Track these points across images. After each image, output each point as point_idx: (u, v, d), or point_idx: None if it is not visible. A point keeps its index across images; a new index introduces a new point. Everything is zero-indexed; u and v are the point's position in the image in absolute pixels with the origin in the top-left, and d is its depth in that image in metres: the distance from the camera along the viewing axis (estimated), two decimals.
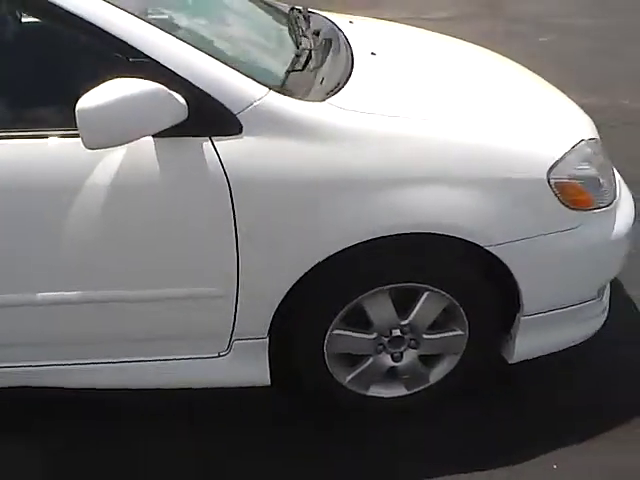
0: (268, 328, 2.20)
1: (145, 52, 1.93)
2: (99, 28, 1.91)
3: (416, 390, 2.40)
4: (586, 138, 2.36)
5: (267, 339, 2.23)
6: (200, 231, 2.06)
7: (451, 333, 2.34)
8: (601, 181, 2.32)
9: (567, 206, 2.22)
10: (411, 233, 2.11)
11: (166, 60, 1.94)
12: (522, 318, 2.33)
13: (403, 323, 2.28)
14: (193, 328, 2.20)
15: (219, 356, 2.25)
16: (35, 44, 2.31)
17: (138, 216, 2.03)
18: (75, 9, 1.90)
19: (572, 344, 2.50)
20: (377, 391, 2.39)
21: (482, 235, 2.16)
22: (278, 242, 2.09)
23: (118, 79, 1.84)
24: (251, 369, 2.26)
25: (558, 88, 2.82)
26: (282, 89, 2.09)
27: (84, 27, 1.92)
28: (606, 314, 2.59)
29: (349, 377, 2.35)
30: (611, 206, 2.35)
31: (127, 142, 1.88)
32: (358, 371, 2.35)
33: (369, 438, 2.38)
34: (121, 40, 1.91)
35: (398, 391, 2.40)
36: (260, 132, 2.01)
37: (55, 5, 1.89)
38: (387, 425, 2.40)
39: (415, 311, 2.27)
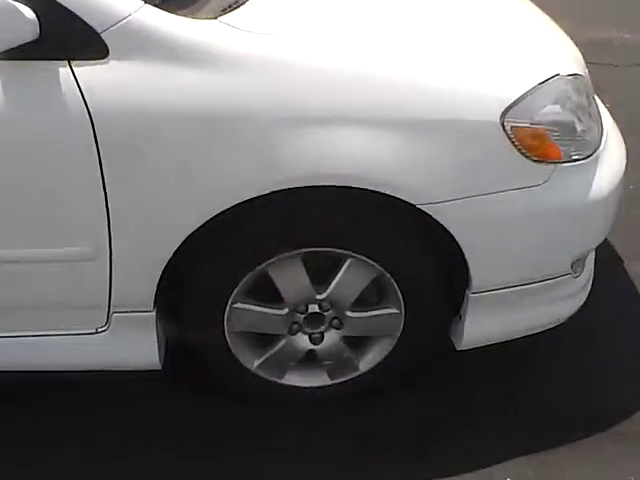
0: (153, 299, 1.80)
1: None
2: None
3: (342, 380, 1.98)
4: (563, 73, 1.87)
5: (154, 313, 1.83)
6: (58, 178, 1.64)
7: (382, 311, 1.90)
8: (577, 127, 1.84)
9: (528, 157, 1.76)
10: (321, 186, 1.68)
11: None
12: (471, 295, 1.89)
13: (320, 297, 1.85)
14: (62, 297, 1.79)
15: (97, 332, 1.85)
16: None
17: None
18: None
19: (538, 330, 2.04)
20: (294, 379, 1.97)
21: (412, 191, 1.71)
22: (155, 193, 1.66)
23: None
24: (137, 349, 1.85)
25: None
26: (163, 4, 1.65)
27: None
28: (586, 293, 2.13)
29: (258, 361, 1.93)
30: (590, 158, 1.87)
31: None
32: (268, 354, 1.93)
33: (277, 439, 1.97)
34: None
35: (319, 380, 1.98)
36: (130, 55, 1.58)
37: None
38: (301, 423, 1.99)
39: (335, 282, 1.83)
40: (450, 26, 1.97)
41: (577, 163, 1.84)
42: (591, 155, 1.88)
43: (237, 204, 1.66)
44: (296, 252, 1.77)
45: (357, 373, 1.98)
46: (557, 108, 1.81)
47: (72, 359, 1.88)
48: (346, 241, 1.78)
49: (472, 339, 1.97)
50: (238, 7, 1.73)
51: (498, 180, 1.76)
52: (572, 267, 1.98)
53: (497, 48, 1.93)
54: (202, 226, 1.68)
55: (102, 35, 1.55)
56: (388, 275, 1.83)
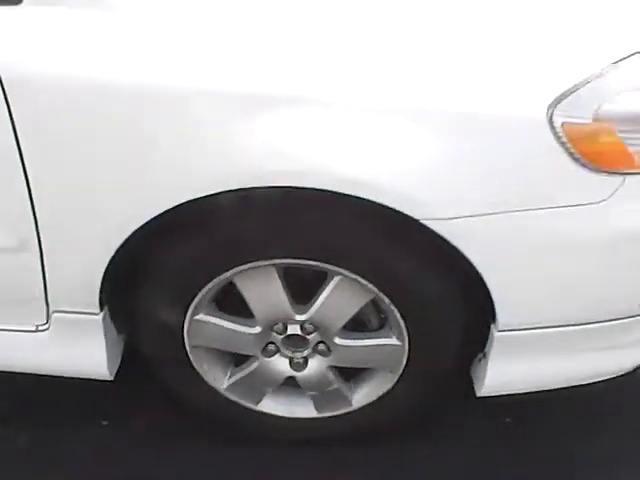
0: (98, 301, 1.49)
1: None
2: None
3: (331, 415, 1.63)
4: None
5: (101, 316, 1.52)
6: None
7: (380, 341, 1.51)
8: None
9: (585, 165, 1.29)
10: (291, 187, 1.28)
11: None
12: (497, 333, 1.47)
13: (301, 318, 1.49)
14: None
15: (37, 330, 1.56)
16: None
17: None
18: None
19: (591, 380, 1.60)
20: (272, 407, 1.63)
21: (416, 202, 1.28)
22: (85, 175, 1.33)
23: None
24: (82, 354, 1.55)
25: None
26: None
27: None
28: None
29: (227, 383, 1.60)
30: None
31: None
32: (238, 376, 1.60)
33: None
34: None
35: (303, 411, 1.63)
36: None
37: None
38: (274, 462, 1.66)
39: (319, 302, 1.45)
40: None
41: None
42: None
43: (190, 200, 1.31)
44: (268, 262, 1.41)
45: (350, 409, 1.61)
46: (636, 97, 1.34)
47: (8, 359, 1.62)
48: (331, 254, 1.37)
49: (496, 385, 1.54)
50: None
51: (540, 193, 1.31)
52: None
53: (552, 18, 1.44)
54: (150, 222, 1.34)
55: None
56: (386, 299, 1.43)
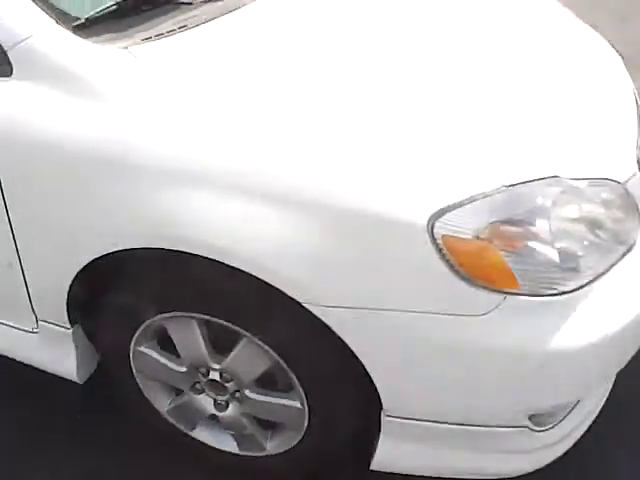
0: (67, 318, 1.77)
1: None
2: None
3: (249, 454, 1.81)
4: (549, 174, 1.43)
5: (71, 331, 1.80)
6: None
7: (284, 401, 1.66)
8: (567, 251, 1.41)
9: (465, 279, 1.38)
10: (190, 254, 1.47)
11: None
12: (384, 417, 1.58)
13: (216, 366, 1.68)
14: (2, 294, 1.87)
15: (32, 332, 1.86)
16: None
17: None
18: None
19: (470, 478, 1.67)
20: (204, 436, 1.83)
21: (298, 286, 1.43)
22: (43, 224, 1.61)
23: None
24: (58, 358, 1.85)
25: None
26: (82, 26, 1.53)
27: None
28: (566, 445, 1.70)
29: (166, 407, 1.83)
30: (572, 294, 1.43)
31: None
32: (174, 405, 1.82)
33: None
34: None
35: (229, 446, 1.82)
36: (34, 77, 1.51)
37: None
38: None
39: (231, 357, 1.64)
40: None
41: (545, 299, 1.42)
42: (576, 290, 1.44)
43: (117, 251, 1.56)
44: (185, 314, 1.62)
45: (264, 453, 1.79)
46: (532, 217, 1.40)
47: (13, 350, 1.94)
48: (235, 317, 1.56)
49: (384, 463, 1.65)
50: (164, 37, 1.57)
51: (416, 297, 1.41)
52: (531, 420, 1.56)
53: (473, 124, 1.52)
54: (89, 265, 1.60)
55: (8, 53, 1.50)
56: (285, 365, 1.59)
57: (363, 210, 1.37)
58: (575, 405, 1.66)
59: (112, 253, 1.55)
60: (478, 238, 1.38)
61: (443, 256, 1.37)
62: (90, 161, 1.49)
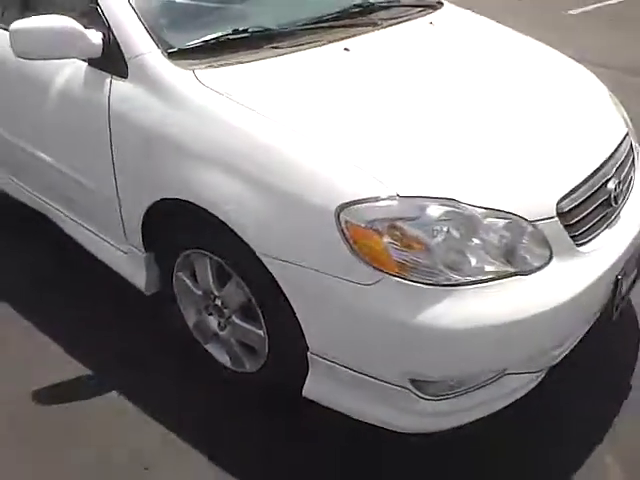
0: (142, 245, 2.50)
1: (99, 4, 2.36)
2: None
3: (237, 369, 2.41)
4: (446, 196, 1.91)
5: (144, 256, 2.52)
6: (89, 141, 2.48)
7: (252, 328, 2.26)
8: (432, 250, 1.88)
9: (357, 255, 1.90)
10: (201, 207, 2.14)
11: (105, 11, 2.34)
12: (310, 355, 2.12)
13: (218, 294, 2.33)
14: (104, 219, 2.65)
15: (125, 252, 2.63)
16: None
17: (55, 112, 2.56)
18: None
19: (376, 423, 2.12)
20: (211, 349, 2.48)
21: (256, 240, 2.04)
22: (133, 170, 2.38)
23: (48, 15, 2.30)
24: (136, 274, 2.60)
25: None
26: (175, 52, 2.27)
27: None
28: (444, 424, 2.10)
29: (192, 322, 2.50)
30: (443, 287, 1.88)
31: (46, 59, 2.36)
32: (195, 320, 2.49)
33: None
34: None
35: (224, 360, 2.44)
36: (137, 81, 2.29)
37: None
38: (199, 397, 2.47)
39: (226, 288, 2.29)
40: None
41: (416, 285, 1.88)
42: (447, 285, 1.88)
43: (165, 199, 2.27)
44: (198, 251, 2.30)
45: (245, 370, 2.38)
46: (418, 224, 1.88)
47: (110, 260, 2.71)
48: (224, 258, 2.22)
49: (312, 392, 2.17)
50: (227, 66, 2.26)
51: (326, 263, 1.95)
52: (413, 384, 2.00)
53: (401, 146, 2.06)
54: (153, 206, 2.33)
55: (127, 61, 2.29)
56: (254, 300, 2.19)
57: (300, 195, 1.97)
58: (473, 387, 2.06)
59: (162, 200, 2.27)
60: (371, 229, 1.90)
61: (344, 236, 1.91)
62: (157, 138, 2.24)
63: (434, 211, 1.90)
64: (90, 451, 2.28)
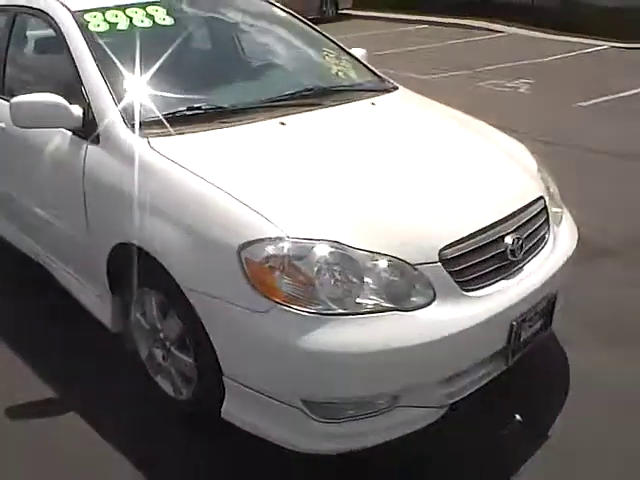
0: (109, 288, 2.88)
1: (84, 84, 2.87)
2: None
3: (178, 397, 2.71)
4: (331, 239, 2.23)
5: (110, 296, 2.91)
6: (70, 196, 2.92)
7: (184, 357, 2.57)
8: (316, 284, 2.20)
9: (254, 287, 2.23)
10: (143, 249, 2.52)
11: (87, 89, 2.85)
12: (224, 378, 2.41)
13: (160, 327, 2.66)
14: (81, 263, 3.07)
15: (98, 296, 3.02)
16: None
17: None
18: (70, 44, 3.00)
19: (280, 444, 2.36)
20: (159, 380, 2.79)
21: (179, 274, 2.40)
22: (99, 221, 2.81)
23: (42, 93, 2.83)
24: (105, 313, 2.98)
25: None
26: (139, 124, 2.71)
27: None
28: (334, 446, 2.32)
29: (144, 355, 2.83)
30: (320, 315, 2.18)
31: (38, 128, 2.86)
32: (146, 354, 2.81)
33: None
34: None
35: (168, 389, 2.74)
36: (105, 147, 2.76)
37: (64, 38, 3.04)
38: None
39: (165, 322, 2.63)
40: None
41: (304, 313, 2.18)
42: (330, 315, 2.17)
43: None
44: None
45: (182, 397, 2.68)
46: (304, 262, 2.21)
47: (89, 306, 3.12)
48: (162, 293, 2.57)
49: (228, 414, 2.45)
50: (178, 135, 2.69)
51: (229, 294, 2.28)
52: (305, 404, 2.26)
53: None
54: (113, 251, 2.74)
55: (99, 130, 2.75)
56: (184, 330, 2.52)
57: (212, 236, 2.34)
58: (363, 415, 2.30)
59: (120, 245, 2.66)
60: (266, 265, 2.23)
61: (243, 270, 2.25)
62: (115, 192, 2.66)
63: (320, 251, 2.22)
64: None
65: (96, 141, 2.79)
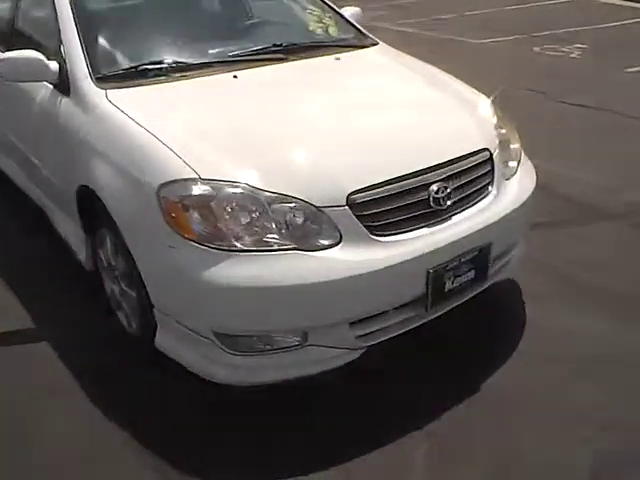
0: (82, 227, 3.13)
1: (62, 42, 3.09)
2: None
3: (129, 330, 2.92)
4: (240, 181, 2.37)
5: (84, 235, 3.16)
6: (47, 142, 3.21)
7: (130, 292, 2.77)
8: (224, 223, 2.35)
9: (170, 225, 2.40)
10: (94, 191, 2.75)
11: (64, 46, 3.07)
12: (155, 311, 2.60)
13: (114, 264, 2.88)
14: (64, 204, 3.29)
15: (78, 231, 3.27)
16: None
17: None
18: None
19: (201, 375, 2.54)
20: (119, 315, 3.00)
21: (116, 212, 2.62)
22: (67, 164, 3.03)
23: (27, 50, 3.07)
24: (81, 249, 3.22)
25: None
26: (103, 77, 2.93)
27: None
28: (242, 378, 2.49)
29: (108, 292, 3.04)
30: (224, 251, 2.32)
31: (24, 82, 3.14)
32: (109, 291, 3.03)
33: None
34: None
35: (125, 323, 2.96)
36: (73, 98, 2.99)
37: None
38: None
39: (117, 258, 2.83)
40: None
41: (207, 249, 2.34)
42: (229, 251, 2.32)
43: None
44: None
45: (132, 330, 2.90)
46: (214, 202, 2.36)
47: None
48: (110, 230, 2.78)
49: (160, 345, 2.65)
50: (134, 87, 2.88)
51: (151, 230, 2.48)
52: (217, 336, 2.42)
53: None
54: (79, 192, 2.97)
55: (70, 83, 2.98)
56: (127, 266, 2.73)
57: (142, 177, 2.53)
58: (276, 349, 2.45)
59: (82, 187, 2.89)
60: (180, 203, 2.40)
61: (161, 208, 2.42)
62: (79, 139, 2.88)
63: (228, 192, 2.37)
64: None
65: (67, 93, 3.02)
